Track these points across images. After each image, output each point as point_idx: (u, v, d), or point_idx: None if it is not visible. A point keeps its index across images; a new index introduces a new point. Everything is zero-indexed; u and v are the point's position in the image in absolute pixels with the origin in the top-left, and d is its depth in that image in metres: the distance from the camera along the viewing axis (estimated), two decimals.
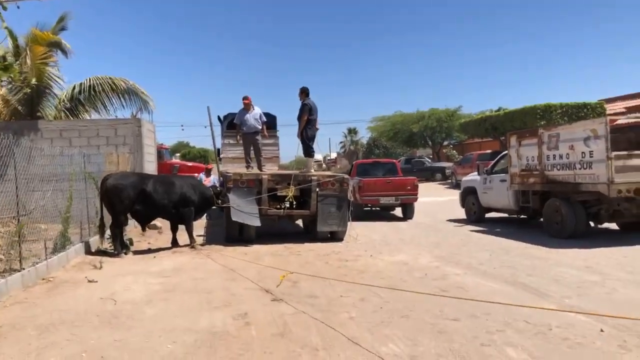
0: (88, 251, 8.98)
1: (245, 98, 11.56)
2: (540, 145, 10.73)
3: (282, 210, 10.45)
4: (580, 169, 9.72)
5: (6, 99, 13.30)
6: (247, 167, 11.72)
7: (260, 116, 11.70)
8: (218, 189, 10.51)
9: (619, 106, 25.97)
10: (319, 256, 8.90)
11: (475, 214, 13.67)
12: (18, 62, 12.09)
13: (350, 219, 10.78)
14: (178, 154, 64.27)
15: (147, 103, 15.22)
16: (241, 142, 12.93)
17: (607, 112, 23.41)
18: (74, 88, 14.41)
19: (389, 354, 4.17)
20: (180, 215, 9.61)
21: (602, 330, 4.67)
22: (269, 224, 11.34)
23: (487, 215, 13.58)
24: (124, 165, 12.82)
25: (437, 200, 21.03)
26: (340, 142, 72.58)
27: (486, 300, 5.72)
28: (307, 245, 10.11)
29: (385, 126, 41.32)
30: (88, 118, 14.73)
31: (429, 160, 36.03)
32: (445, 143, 40.77)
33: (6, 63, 8.47)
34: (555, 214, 10.43)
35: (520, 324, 4.93)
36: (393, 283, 6.74)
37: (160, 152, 25.19)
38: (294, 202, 10.56)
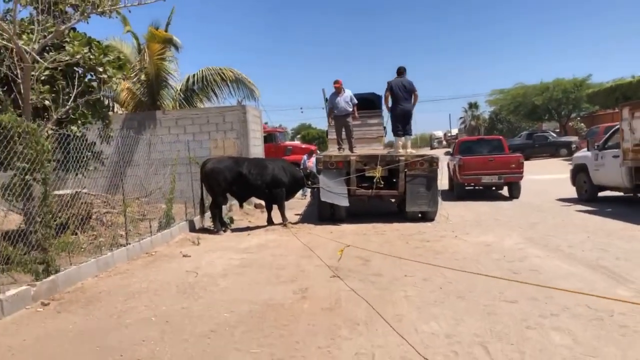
0: (192, 229, 9.95)
1: (336, 82, 11.85)
2: None
3: (370, 191, 10.64)
4: None
5: (132, 91, 14.93)
6: (339, 148, 12.05)
7: (351, 98, 11.92)
8: (308, 170, 10.97)
9: None
10: (402, 236, 9.01)
11: (587, 192, 12.74)
12: (138, 59, 13.55)
13: (440, 198, 10.69)
14: (299, 136, 66.70)
15: (252, 91, 16.16)
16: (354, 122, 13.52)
17: None
18: (187, 79, 15.76)
19: (426, 332, 4.28)
20: (273, 196, 10.26)
21: None
22: (365, 204, 11.63)
23: (601, 194, 12.58)
24: (231, 150, 13.82)
25: (555, 178, 19.79)
26: (460, 118, 70.18)
27: (550, 285, 5.51)
28: (395, 225, 10.22)
29: (505, 99, 39.18)
30: (201, 106, 16.02)
31: (554, 135, 33.59)
32: (573, 115, 37.66)
33: (120, 62, 9.51)
34: None
35: (580, 309, 4.74)
36: (465, 264, 6.70)
37: (274, 135, 26.53)
38: (383, 183, 10.69)
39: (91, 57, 9.08)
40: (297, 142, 34.11)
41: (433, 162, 10.49)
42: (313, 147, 24.18)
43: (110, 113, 10.77)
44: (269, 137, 25.87)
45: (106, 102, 11.94)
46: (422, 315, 4.73)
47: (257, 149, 15.03)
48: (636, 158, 10.45)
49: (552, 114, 36.77)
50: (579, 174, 13.07)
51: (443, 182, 16.70)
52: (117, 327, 4.53)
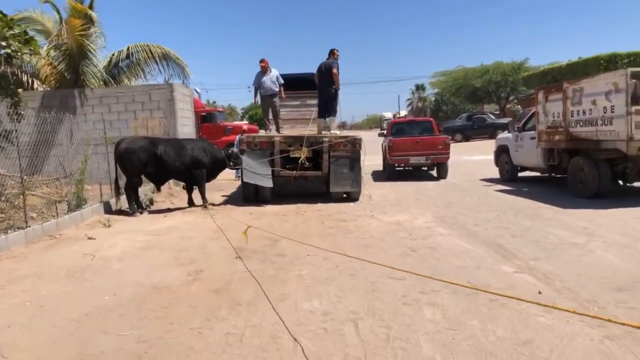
0: (109, 211, 9.67)
1: (261, 61, 11.70)
2: (565, 100, 10.12)
3: (294, 172, 10.63)
4: (601, 125, 9.13)
5: (54, 66, 14.26)
6: (266, 129, 11.95)
7: (277, 78, 11.82)
8: (230, 150, 10.82)
9: None
10: (321, 216, 9.07)
11: (508, 173, 13.20)
12: (55, 34, 12.93)
13: (363, 179, 10.82)
14: (247, 115, 65.74)
15: (183, 69, 15.74)
16: (286, 103, 13.47)
17: None
18: (112, 55, 15.17)
19: (305, 310, 4.33)
20: (192, 177, 10.08)
21: (539, 292, 4.56)
22: (292, 186, 11.62)
23: (522, 174, 13.06)
24: (157, 129, 13.47)
25: (486, 159, 20.36)
26: (408, 99, 71.25)
27: (442, 261, 5.69)
28: (319, 205, 10.27)
29: (447, 82, 39.94)
30: (129, 85, 15.49)
31: (492, 117, 34.60)
32: (512, 98, 38.85)
33: (27, 37, 9.04)
34: (579, 173, 9.91)
35: (461, 285, 4.90)
36: (370, 242, 6.83)
37: (214, 114, 26.05)
38: (308, 164, 10.70)
39: None
40: (241, 122, 33.69)
41: (356, 143, 10.56)
42: (245, 126, 23.86)
43: (21, 90, 10.21)
44: (208, 117, 25.41)
45: (15, 78, 11.33)
46: (308, 293, 4.77)
47: (186, 129, 14.71)
48: (549, 140, 10.87)
49: (491, 96, 37.79)
50: (501, 155, 13.52)
51: (378, 163, 17.05)
52: None
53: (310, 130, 11.66)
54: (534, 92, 11.96)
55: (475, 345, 3.52)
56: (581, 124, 9.69)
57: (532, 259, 5.72)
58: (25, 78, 14.48)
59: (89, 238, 7.38)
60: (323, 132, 11.21)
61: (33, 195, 10.66)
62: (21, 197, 9.85)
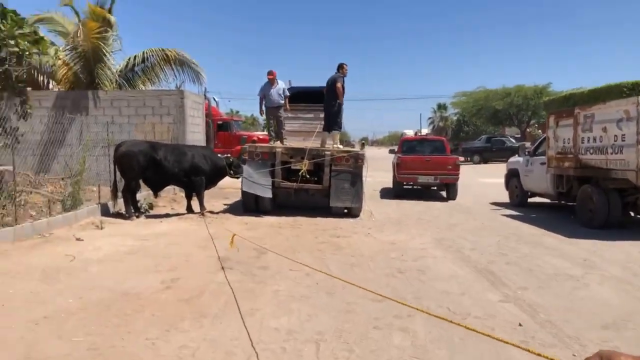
0: (106, 213, 9.64)
1: (270, 73, 11.66)
2: (576, 126, 9.83)
3: (294, 184, 10.51)
4: (611, 153, 8.82)
5: (70, 67, 14.45)
6: (270, 140, 11.88)
7: (284, 90, 11.77)
8: (231, 159, 10.75)
9: None
10: (316, 230, 8.90)
11: (518, 197, 12.87)
12: (71, 36, 13.11)
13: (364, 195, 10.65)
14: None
15: (198, 74, 15.81)
16: (299, 115, 13.55)
17: None
18: (129, 60, 15.31)
19: (271, 327, 4.17)
20: (192, 184, 10.01)
21: (520, 325, 4.34)
22: (293, 198, 11.50)
23: (536, 200, 12.69)
24: (164, 135, 13.50)
25: (501, 183, 20.01)
26: (429, 118, 70.78)
27: (431, 285, 5.48)
28: (317, 219, 10.09)
29: (468, 102, 39.56)
30: (143, 89, 15.61)
31: (512, 140, 34.11)
32: (533, 122, 38.28)
33: (36, 37, 9.14)
34: (588, 202, 9.58)
35: (440, 310, 4.69)
36: (359, 261, 6.64)
37: (230, 123, 26.17)
38: (309, 176, 10.56)
39: (2, 28, 8.69)
40: (257, 132, 33.76)
41: (359, 158, 10.41)
42: (254, 136, 23.86)
43: (29, 89, 10.33)
44: (224, 126, 25.53)
45: (27, 77, 11.48)
46: (279, 310, 4.61)
47: (195, 136, 14.74)
48: (559, 166, 10.56)
49: (512, 119, 37.29)
50: (512, 179, 13.20)
51: (389, 180, 16.83)
52: None
53: (313, 142, 11.56)
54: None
55: None
56: (591, 151, 9.39)
57: (521, 288, 5.47)
58: (42, 78, 14.69)
59: (77, 239, 7.33)
60: (326, 146, 11.08)
61: (37, 193, 10.74)
62: (20, 194, 9.95)
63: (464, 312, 4.64)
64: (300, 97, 14.38)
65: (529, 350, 3.75)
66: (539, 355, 3.70)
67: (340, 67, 11.33)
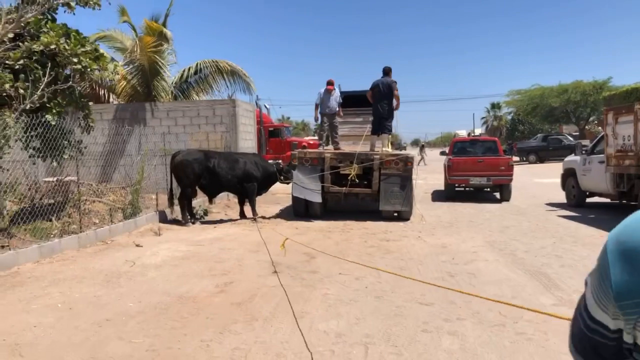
0: (164, 219, 10.05)
1: (329, 83, 11.85)
2: (637, 122, 9.43)
3: (344, 188, 10.59)
4: None
5: (129, 81, 15.16)
6: (324, 145, 12.03)
7: (339, 98, 11.98)
8: (281, 165, 10.96)
9: None
10: (366, 234, 8.94)
11: (575, 198, 12.44)
12: (128, 51, 13.75)
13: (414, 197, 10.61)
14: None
15: (249, 84, 16.23)
16: (349, 119, 13.82)
17: None
18: (183, 72, 15.90)
19: (320, 330, 4.26)
20: (244, 190, 10.29)
21: None
22: (342, 202, 11.62)
23: (594, 200, 12.23)
24: (218, 143, 13.92)
25: (559, 183, 19.39)
26: (482, 118, 69.17)
27: (473, 292, 5.43)
28: (367, 223, 10.13)
29: (522, 100, 38.42)
30: (197, 99, 16.16)
31: (570, 138, 32.87)
32: (592, 119, 36.73)
33: (97, 54, 9.65)
34: None
35: (491, 314, 4.65)
36: (408, 264, 6.64)
37: (281, 129, 26.62)
38: (358, 181, 10.62)
39: (66, 47, 9.22)
40: (308, 138, 34.16)
41: (408, 161, 10.38)
42: (306, 142, 24.16)
43: (91, 103, 10.88)
44: (275, 132, 26.00)
45: (90, 92, 12.12)
46: (328, 313, 4.70)
47: (247, 143, 15.10)
48: (619, 164, 10.15)
49: (570, 117, 35.93)
50: (568, 178, 12.79)
51: (439, 183, 16.64)
52: (19, 312, 4.62)
53: (362, 146, 11.62)
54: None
55: None
56: None
57: (576, 291, 5.31)
58: (102, 92, 15.47)
59: (137, 245, 7.69)
60: (375, 149, 11.10)
61: (100, 202, 11.33)
62: (85, 203, 10.52)
63: (515, 315, 4.57)
64: (350, 101, 14.54)
65: None
66: None
67: (390, 70, 11.34)
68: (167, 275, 5.98)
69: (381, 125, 11.32)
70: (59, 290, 5.26)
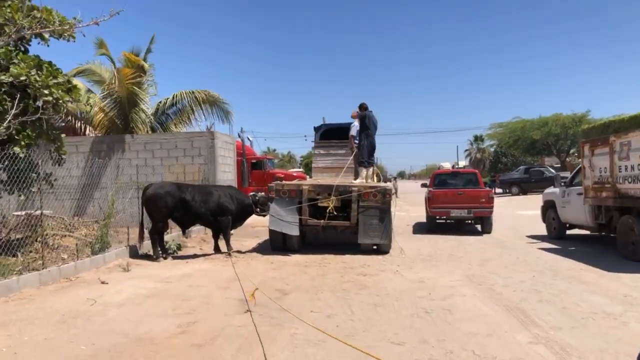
0: (135, 254, 9.72)
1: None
2: (612, 154, 9.42)
3: (322, 221, 10.38)
4: None
5: (106, 113, 14.97)
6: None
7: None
8: (257, 197, 10.74)
9: None
10: (343, 269, 8.71)
11: (555, 230, 12.37)
12: (106, 83, 13.62)
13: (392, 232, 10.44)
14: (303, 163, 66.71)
15: (228, 113, 16.12)
16: (331, 151, 14.19)
17: None
18: (159, 104, 15.76)
19: None
20: (218, 223, 10.02)
21: None
22: (320, 235, 11.42)
23: (575, 232, 12.15)
24: (196, 175, 13.70)
25: (538, 214, 19.41)
26: (466, 150, 69.81)
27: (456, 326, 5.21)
28: (345, 257, 9.88)
29: (504, 133, 38.86)
30: (176, 131, 15.98)
31: (551, 170, 33.14)
32: (573, 151, 37.17)
33: (69, 86, 9.48)
34: (629, 233, 9.13)
35: (465, 353, 4.43)
36: (384, 301, 6.42)
37: (264, 162, 26.43)
38: (336, 213, 10.43)
39: (37, 79, 9.04)
40: (292, 170, 34.03)
41: (386, 193, 10.23)
42: (303, 175, 24.10)
43: (63, 135, 10.64)
44: (258, 164, 25.79)
45: (65, 124, 11.91)
46: (294, 355, 4.46)
47: (226, 175, 14.89)
48: (596, 196, 10.11)
49: (551, 149, 36.33)
50: (548, 210, 12.75)
51: (422, 215, 16.51)
52: None
53: (343, 178, 11.50)
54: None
55: None
56: (629, 180, 8.95)
57: (554, 328, 5.14)
58: (79, 124, 15.25)
59: (102, 282, 7.36)
60: (353, 181, 10.99)
61: (70, 236, 10.97)
62: (55, 238, 10.16)
63: (489, 355, 4.36)
64: (332, 133, 14.55)
65: None
66: None
67: (365, 106, 11.57)
68: (128, 314, 5.68)
69: (370, 157, 11.43)
70: (7, 332, 4.93)
